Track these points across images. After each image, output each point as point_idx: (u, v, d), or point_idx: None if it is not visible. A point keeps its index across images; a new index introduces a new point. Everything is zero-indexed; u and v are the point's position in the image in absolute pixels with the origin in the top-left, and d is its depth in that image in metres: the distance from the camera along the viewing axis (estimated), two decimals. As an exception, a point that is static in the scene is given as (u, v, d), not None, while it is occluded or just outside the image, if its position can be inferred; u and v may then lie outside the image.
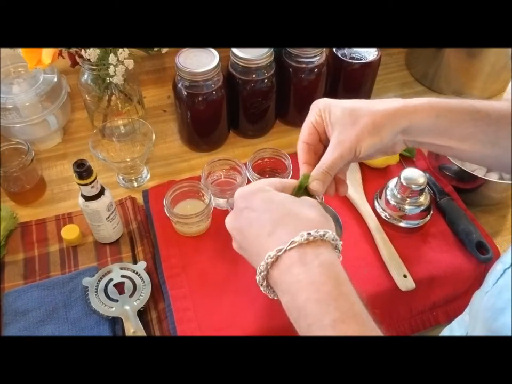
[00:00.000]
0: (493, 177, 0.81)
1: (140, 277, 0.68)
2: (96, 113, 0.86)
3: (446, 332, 0.60)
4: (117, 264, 0.70)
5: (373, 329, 0.40)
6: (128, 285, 0.68)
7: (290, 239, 0.41)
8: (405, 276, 0.68)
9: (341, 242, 0.45)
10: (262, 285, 0.45)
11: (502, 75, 0.98)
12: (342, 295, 0.41)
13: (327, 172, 0.52)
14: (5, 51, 0.82)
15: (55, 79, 0.84)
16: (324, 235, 0.42)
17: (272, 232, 0.43)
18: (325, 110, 0.54)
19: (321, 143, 0.57)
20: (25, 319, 0.64)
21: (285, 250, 0.41)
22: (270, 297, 0.46)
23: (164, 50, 0.79)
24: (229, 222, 0.50)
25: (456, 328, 0.57)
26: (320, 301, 0.40)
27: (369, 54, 0.87)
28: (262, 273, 0.43)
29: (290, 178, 0.77)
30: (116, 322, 0.65)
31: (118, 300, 0.66)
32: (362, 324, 0.40)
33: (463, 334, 0.52)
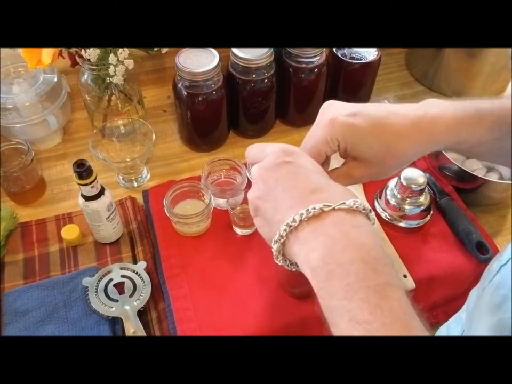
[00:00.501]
0: (493, 177, 0.81)
1: (140, 277, 0.68)
2: (96, 113, 0.86)
3: (443, 329, 0.60)
4: (117, 264, 0.70)
5: (410, 304, 0.38)
6: (128, 285, 0.68)
7: (340, 201, 0.38)
8: (405, 276, 0.68)
9: (375, 223, 0.42)
10: (282, 237, 0.40)
11: (502, 75, 0.98)
12: (389, 265, 0.39)
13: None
14: (5, 51, 0.82)
15: (55, 79, 0.84)
16: (370, 211, 0.40)
17: (316, 191, 0.40)
18: (346, 139, 0.48)
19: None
20: (25, 319, 0.64)
21: (334, 208, 0.38)
22: (278, 262, 0.42)
23: (164, 50, 0.79)
24: (261, 170, 0.44)
25: (453, 325, 0.57)
26: (368, 263, 0.37)
27: (369, 54, 0.87)
28: (294, 224, 0.39)
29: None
30: (116, 322, 0.65)
31: (118, 300, 0.66)
32: (403, 295, 0.38)
33: (460, 332, 0.52)
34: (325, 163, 0.51)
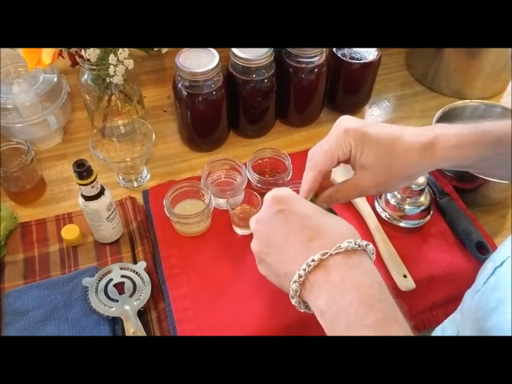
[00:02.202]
0: (493, 177, 0.81)
1: (140, 277, 0.68)
2: (96, 113, 0.86)
3: (439, 331, 0.60)
4: (117, 264, 0.70)
5: (411, 332, 0.41)
6: (128, 285, 0.68)
7: (334, 245, 0.41)
8: (405, 276, 0.68)
9: (373, 255, 0.46)
10: (296, 292, 0.44)
11: (502, 75, 0.98)
12: (385, 299, 0.42)
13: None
14: (5, 51, 0.82)
15: (55, 79, 0.84)
16: (367, 246, 0.43)
17: (313, 238, 0.43)
18: (357, 146, 0.51)
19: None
20: (25, 319, 0.64)
21: (331, 254, 0.41)
22: (301, 310, 0.46)
23: (164, 50, 0.79)
24: (259, 224, 0.47)
25: (448, 327, 0.57)
26: (365, 302, 0.40)
27: (369, 54, 0.87)
28: (301, 279, 0.43)
29: (290, 178, 0.77)
30: (116, 322, 0.65)
31: (118, 300, 0.66)
32: (402, 326, 0.41)
33: (455, 333, 0.52)
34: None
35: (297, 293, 0.44)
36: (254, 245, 0.48)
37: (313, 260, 0.41)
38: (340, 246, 0.41)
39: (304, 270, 0.42)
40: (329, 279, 0.41)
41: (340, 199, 0.55)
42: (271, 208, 0.46)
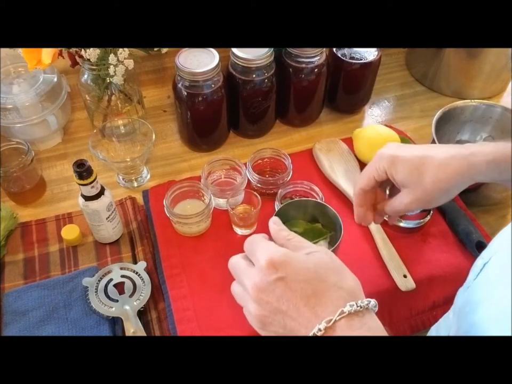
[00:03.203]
0: (493, 177, 0.81)
1: (140, 277, 0.68)
2: (96, 113, 0.86)
3: (433, 330, 0.60)
4: (117, 264, 0.70)
5: None
6: (128, 285, 0.68)
7: (337, 309, 0.41)
8: (405, 276, 0.68)
9: (376, 307, 0.44)
10: None
11: (502, 75, 0.98)
12: None
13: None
14: (5, 51, 0.82)
15: (55, 79, 0.84)
16: (368, 304, 0.43)
17: (316, 305, 0.43)
18: (390, 168, 0.56)
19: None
20: (25, 319, 0.64)
21: (335, 320, 0.41)
22: None
23: (164, 50, 0.79)
24: (260, 293, 0.45)
25: (442, 325, 0.57)
26: None
27: (369, 54, 0.87)
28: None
29: (290, 178, 0.77)
30: (116, 322, 0.65)
31: (118, 300, 0.66)
32: None
33: (447, 331, 0.53)
34: (378, 190, 0.62)
35: None
36: (254, 310, 0.46)
37: (319, 330, 0.41)
38: (342, 310, 0.41)
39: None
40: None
41: (389, 213, 0.62)
42: (269, 275, 0.44)
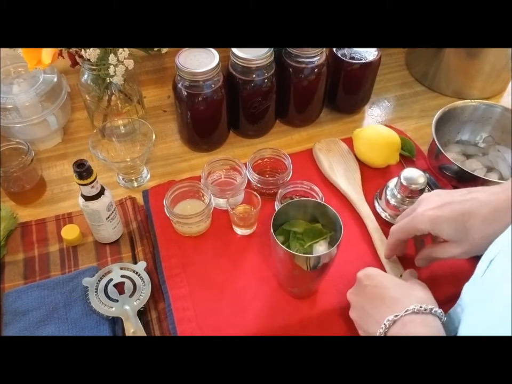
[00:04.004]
0: (493, 177, 0.81)
1: (140, 277, 0.68)
2: (96, 113, 0.86)
3: None
4: (117, 264, 0.70)
5: None
6: (128, 285, 0.68)
7: (406, 308, 0.52)
8: (401, 276, 0.68)
9: (445, 318, 0.54)
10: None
11: (502, 75, 0.98)
12: None
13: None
14: (5, 51, 0.82)
15: (55, 79, 0.84)
16: (432, 309, 0.52)
17: (391, 305, 0.54)
18: (434, 229, 0.58)
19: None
20: (25, 319, 0.64)
21: (401, 316, 0.52)
22: None
23: (164, 50, 0.79)
24: (355, 296, 0.60)
25: (448, 321, 0.57)
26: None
27: (369, 54, 0.87)
28: (382, 331, 0.53)
29: (290, 178, 0.77)
30: (116, 322, 0.65)
31: (118, 300, 0.66)
32: None
33: (456, 327, 0.53)
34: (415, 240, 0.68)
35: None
36: (352, 312, 0.60)
37: (388, 320, 0.52)
38: (408, 309, 0.52)
39: (383, 328, 0.52)
40: (400, 333, 0.52)
41: (433, 260, 0.64)
42: (361, 284, 0.59)
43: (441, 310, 0.53)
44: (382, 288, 0.57)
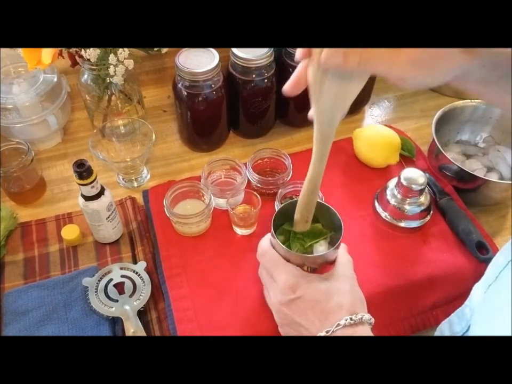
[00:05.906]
0: (493, 177, 0.81)
1: (140, 277, 0.68)
2: (96, 113, 0.86)
3: (445, 325, 0.60)
4: (117, 264, 0.70)
5: None
6: (128, 285, 0.68)
7: (336, 323, 0.51)
8: (306, 221, 0.61)
9: (373, 320, 0.53)
10: None
11: (502, 75, 0.98)
12: None
13: None
14: (5, 51, 0.83)
15: (55, 79, 0.84)
16: (362, 317, 0.52)
17: (322, 319, 0.53)
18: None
19: None
20: (25, 319, 0.64)
21: (332, 331, 0.51)
22: None
23: (164, 50, 0.79)
24: (282, 306, 0.56)
25: (455, 321, 0.57)
26: None
27: (369, 54, 0.87)
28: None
29: (290, 178, 0.77)
30: (116, 322, 0.65)
31: (118, 300, 0.66)
32: None
33: (464, 328, 0.53)
34: None
35: None
36: (277, 319, 0.58)
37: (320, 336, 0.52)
38: (339, 323, 0.51)
39: None
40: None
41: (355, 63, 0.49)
42: (289, 295, 0.55)
43: (369, 315, 0.53)
44: (312, 301, 0.54)
